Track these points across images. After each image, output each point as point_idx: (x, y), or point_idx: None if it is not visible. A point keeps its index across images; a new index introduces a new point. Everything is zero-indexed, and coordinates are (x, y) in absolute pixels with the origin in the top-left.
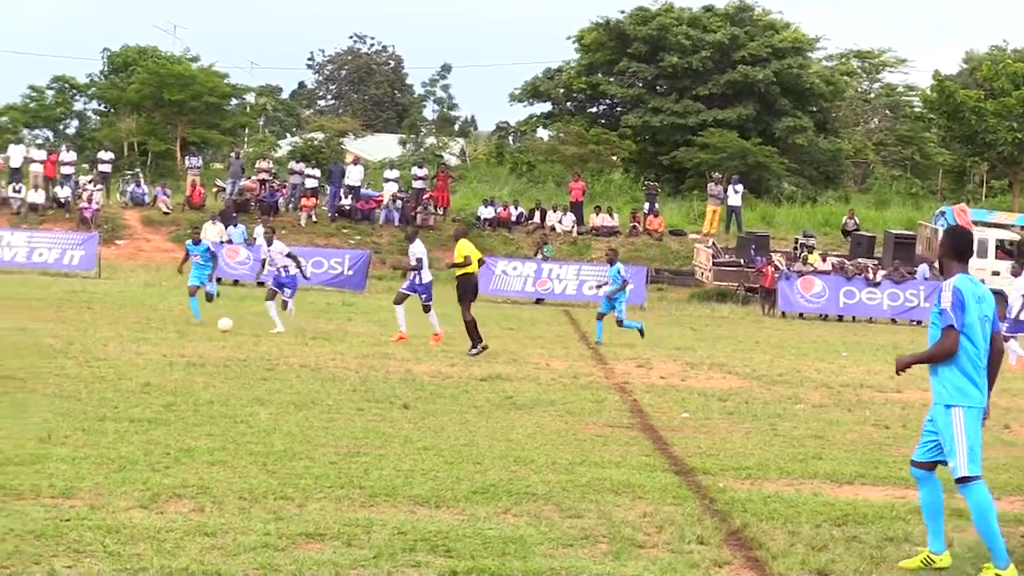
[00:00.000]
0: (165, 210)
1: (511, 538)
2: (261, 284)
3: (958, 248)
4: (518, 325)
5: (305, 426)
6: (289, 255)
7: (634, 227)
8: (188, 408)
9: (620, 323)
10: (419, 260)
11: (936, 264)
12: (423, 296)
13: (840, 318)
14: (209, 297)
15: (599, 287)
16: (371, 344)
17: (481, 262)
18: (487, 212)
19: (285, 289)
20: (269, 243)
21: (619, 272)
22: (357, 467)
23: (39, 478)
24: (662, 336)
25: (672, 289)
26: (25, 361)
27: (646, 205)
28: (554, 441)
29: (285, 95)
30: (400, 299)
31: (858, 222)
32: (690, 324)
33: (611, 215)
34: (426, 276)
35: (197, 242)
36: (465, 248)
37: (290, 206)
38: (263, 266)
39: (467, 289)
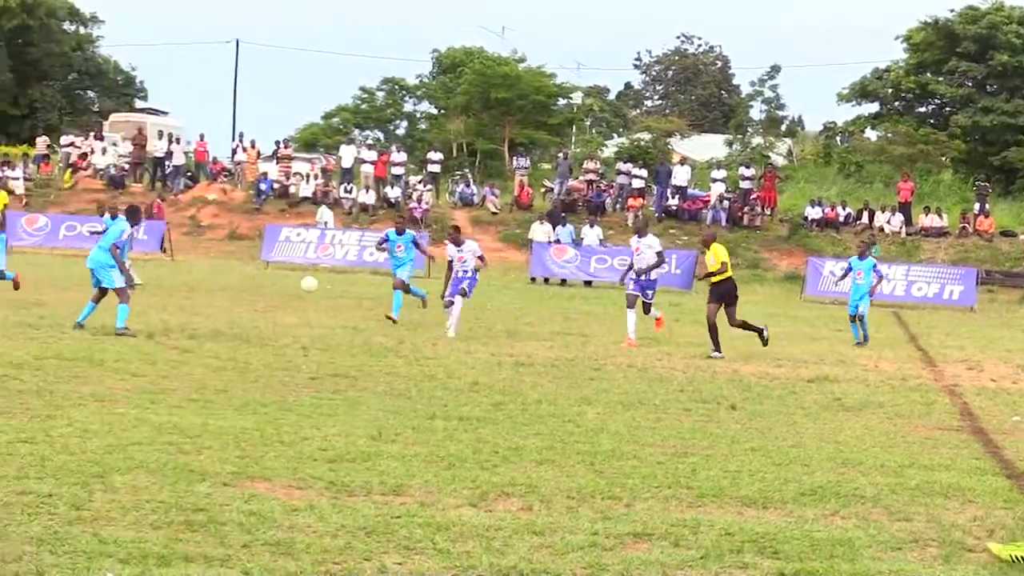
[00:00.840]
0: (494, 210)
1: (839, 540)
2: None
3: None
4: (846, 327)
5: (632, 426)
6: (481, 257)
7: (964, 228)
8: (516, 407)
9: (860, 318)
10: (659, 254)
11: None
12: (648, 293)
13: None
14: (409, 292)
15: (840, 281)
16: (697, 345)
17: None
18: (814, 212)
19: (462, 287)
20: (457, 244)
21: (875, 266)
22: (684, 467)
23: (370, 475)
24: (993, 338)
25: (1003, 291)
26: (357, 360)
27: (976, 206)
28: (882, 443)
29: (612, 96)
30: (632, 302)
31: None
32: (1022, 326)
33: (940, 216)
34: (655, 274)
35: (401, 232)
36: (722, 254)
37: (617, 206)
38: (450, 268)
39: (724, 294)
